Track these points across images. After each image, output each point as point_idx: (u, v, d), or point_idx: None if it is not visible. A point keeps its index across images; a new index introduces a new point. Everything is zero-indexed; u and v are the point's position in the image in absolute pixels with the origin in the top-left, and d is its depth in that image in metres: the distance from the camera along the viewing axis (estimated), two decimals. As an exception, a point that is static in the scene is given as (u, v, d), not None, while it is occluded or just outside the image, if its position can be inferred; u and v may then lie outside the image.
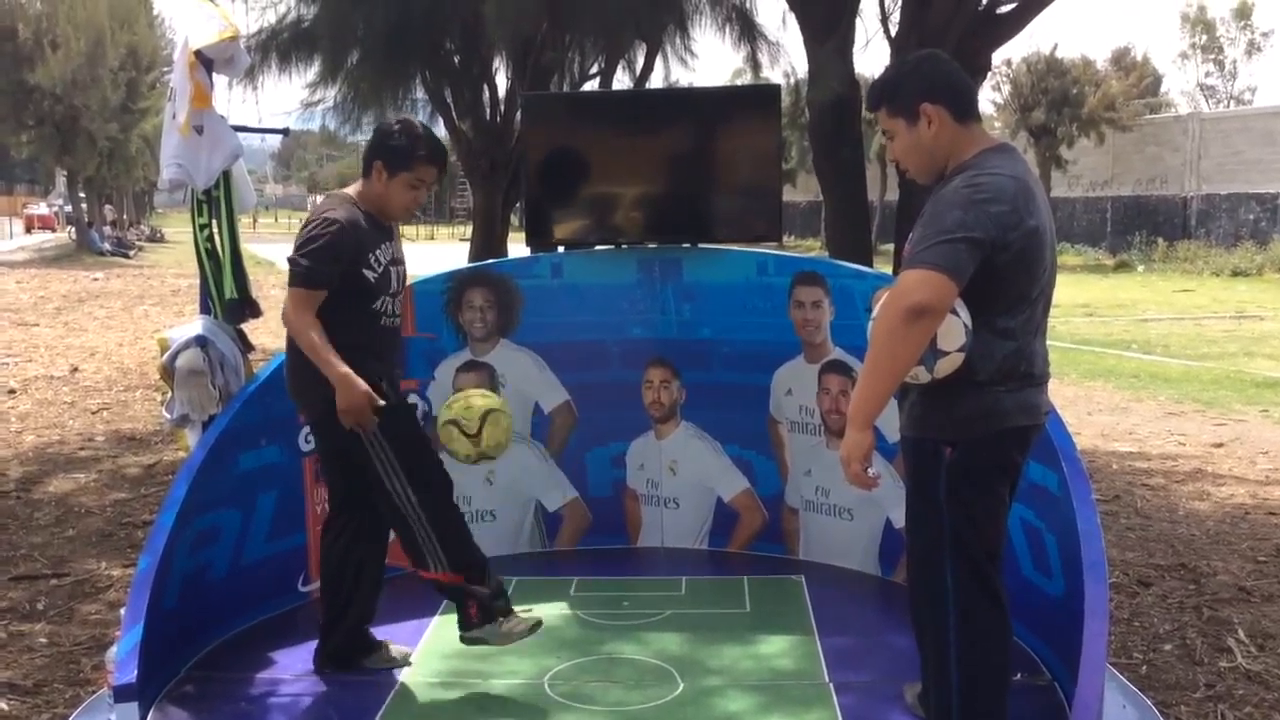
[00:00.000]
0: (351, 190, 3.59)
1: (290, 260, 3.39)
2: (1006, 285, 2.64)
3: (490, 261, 3.75)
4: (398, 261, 3.59)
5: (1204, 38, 48.46)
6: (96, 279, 23.61)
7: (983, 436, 2.71)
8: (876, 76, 3.09)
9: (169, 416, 4.11)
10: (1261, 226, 25.86)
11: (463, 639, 3.60)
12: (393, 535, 3.65)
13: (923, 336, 2.53)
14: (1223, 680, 3.82)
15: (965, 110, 2.73)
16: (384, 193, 3.50)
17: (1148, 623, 4.36)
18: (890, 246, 11.27)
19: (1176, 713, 3.55)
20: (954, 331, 2.59)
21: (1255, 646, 4.10)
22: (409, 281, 4.01)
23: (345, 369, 3.33)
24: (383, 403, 3.39)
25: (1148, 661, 3.98)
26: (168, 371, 4.03)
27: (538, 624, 3.61)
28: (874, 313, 2.73)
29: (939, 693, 2.85)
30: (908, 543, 2.92)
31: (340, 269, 3.39)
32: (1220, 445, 7.64)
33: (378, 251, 3.48)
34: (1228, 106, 44.69)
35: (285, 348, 3.60)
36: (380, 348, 3.53)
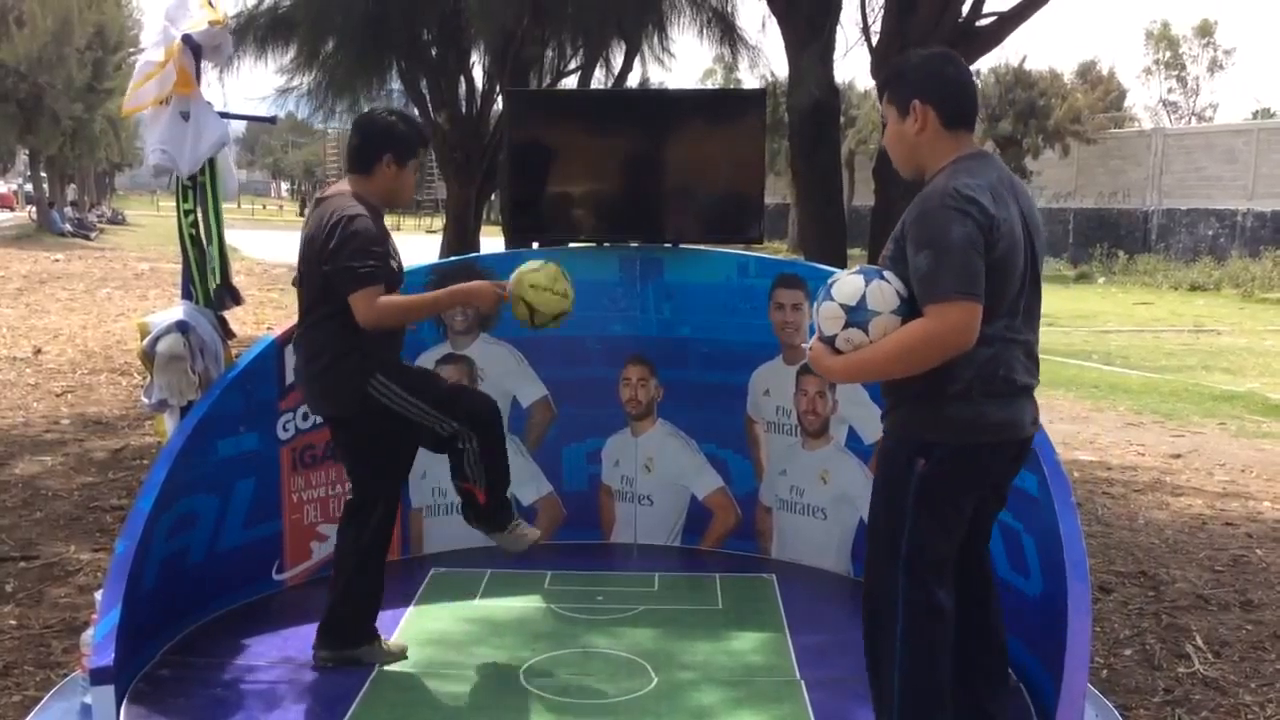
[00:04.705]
0: (347, 187, 3.56)
1: (345, 269, 3.34)
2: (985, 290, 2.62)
3: (473, 255, 3.78)
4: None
5: (1167, 54, 49.10)
6: (57, 260, 23.30)
7: (958, 448, 2.71)
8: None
9: (147, 401, 4.10)
10: (1220, 243, 26.27)
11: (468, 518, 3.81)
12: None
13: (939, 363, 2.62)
14: (1181, 685, 3.92)
15: (954, 117, 2.74)
16: (395, 184, 3.59)
17: (1109, 628, 4.46)
18: (858, 250, 11.38)
19: (1136, 716, 3.64)
20: (887, 294, 2.64)
21: (1212, 653, 4.21)
22: None
23: (445, 290, 3.62)
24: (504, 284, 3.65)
25: (1108, 666, 4.08)
26: (148, 356, 4.02)
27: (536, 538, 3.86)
28: (873, 307, 2.64)
29: (880, 699, 2.85)
30: (866, 549, 2.91)
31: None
32: (1178, 456, 7.79)
33: (389, 243, 3.56)
34: (1190, 122, 45.36)
35: (304, 360, 3.56)
36: (399, 341, 3.66)
